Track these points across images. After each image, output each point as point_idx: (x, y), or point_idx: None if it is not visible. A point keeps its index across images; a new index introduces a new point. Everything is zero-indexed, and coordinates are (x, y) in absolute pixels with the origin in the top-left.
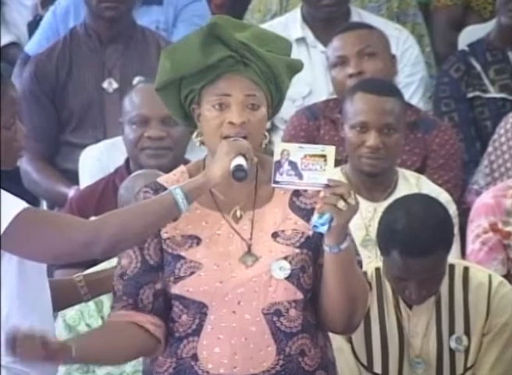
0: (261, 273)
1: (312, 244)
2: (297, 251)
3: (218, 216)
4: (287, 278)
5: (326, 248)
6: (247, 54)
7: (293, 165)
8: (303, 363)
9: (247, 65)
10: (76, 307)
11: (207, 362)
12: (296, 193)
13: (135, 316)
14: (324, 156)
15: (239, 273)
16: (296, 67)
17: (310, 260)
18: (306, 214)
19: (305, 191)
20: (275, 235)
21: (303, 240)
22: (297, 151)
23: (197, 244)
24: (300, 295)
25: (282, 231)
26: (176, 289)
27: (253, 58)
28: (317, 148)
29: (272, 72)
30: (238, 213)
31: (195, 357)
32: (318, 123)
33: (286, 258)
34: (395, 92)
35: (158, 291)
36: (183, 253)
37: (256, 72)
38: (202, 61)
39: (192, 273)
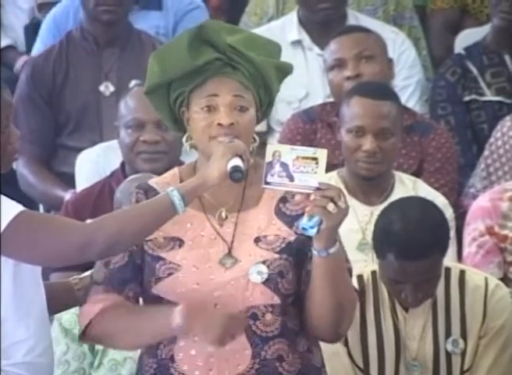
0: (239, 277)
1: (294, 250)
2: (276, 256)
3: (203, 217)
4: (264, 282)
5: (315, 252)
6: (235, 57)
7: (284, 166)
8: (280, 368)
9: (236, 68)
10: (72, 310)
11: (183, 364)
12: (283, 199)
13: (116, 298)
14: (316, 159)
15: (217, 276)
16: (285, 70)
17: (290, 265)
18: (291, 220)
19: (292, 197)
20: (257, 240)
21: (283, 245)
22: (289, 153)
23: (179, 246)
24: (277, 300)
25: (265, 236)
26: (155, 290)
27: (241, 61)
28: (309, 151)
29: (261, 74)
30: (223, 214)
31: (172, 358)
32: (314, 127)
33: (264, 262)
34: (391, 96)
35: (137, 294)
36: (163, 255)
37: (244, 74)
38: (190, 63)
39: (170, 274)
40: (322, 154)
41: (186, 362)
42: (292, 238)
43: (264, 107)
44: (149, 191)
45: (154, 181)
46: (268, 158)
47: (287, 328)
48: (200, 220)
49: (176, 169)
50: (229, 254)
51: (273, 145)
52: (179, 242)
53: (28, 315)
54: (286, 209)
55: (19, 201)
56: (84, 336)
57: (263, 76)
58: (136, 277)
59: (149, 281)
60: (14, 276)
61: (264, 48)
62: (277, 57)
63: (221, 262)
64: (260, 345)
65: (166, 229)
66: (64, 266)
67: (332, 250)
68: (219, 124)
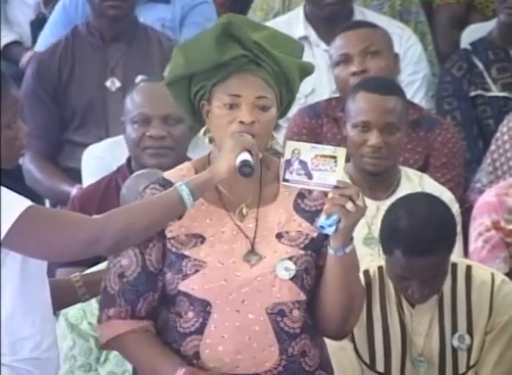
0: (266, 273)
1: (316, 246)
2: (302, 252)
3: (223, 213)
4: (291, 279)
5: (331, 251)
6: (260, 54)
7: (303, 164)
8: (304, 364)
9: (260, 65)
10: (78, 306)
11: (209, 361)
12: (301, 195)
13: (136, 324)
14: (334, 157)
15: (243, 272)
16: (307, 70)
17: (313, 262)
18: (310, 216)
19: (310, 193)
20: (279, 236)
21: (307, 241)
22: (308, 151)
23: (202, 242)
24: (303, 296)
25: (287, 232)
26: (182, 286)
27: (266, 59)
28: (328, 149)
29: (284, 73)
30: (244, 211)
31: (197, 355)
32: (320, 122)
33: (290, 258)
34: (397, 91)
35: (155, 301)
36: (186, 252)
37: (268, 72)
38: (216, 58)
39: (196, 271)
40: (341, 152)
41: (214, 359)
42: (315, 234)
43: (284, 106)
44: (167, 186)
45: (169, 175)
46: (287, 155)
47: (308, 323)
48: (219, 216)
49: (188, 163)
50: (253, 251)
51: (293, 142)
52: (201, 239)
53: (34, 310)
54: (305, 205)
55: (25, 197)
56: (105, 346)
57: (286, 76)
58: (151, 287)
59: (175, 278)
60: (21, 272)
61: (287, 45)
62: (300, 56)
63: (245, 258)
64: (287, 341)
65: (187, 225)
66: (70, 262)
67: (348, 249)
68: (241, 122)
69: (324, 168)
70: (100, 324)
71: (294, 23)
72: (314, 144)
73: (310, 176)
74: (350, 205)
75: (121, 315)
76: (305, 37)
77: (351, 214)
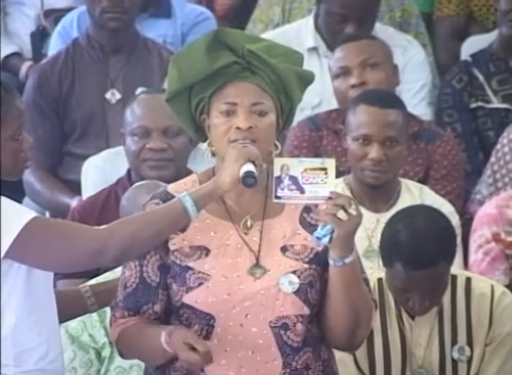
0: (269, 286)
1: (321, 260)
2: (306, 266)
3: (228, 225)
4: (295, 292)
5: (331, 262)
6: (254, 61)
7: (293, 179)
8: None
9: (255, 72)
10: (79, 318)
11: (213, 374)
12: (307, 209)
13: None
14: (324, 169)
15: (247, 286)
16: (306, 78)
17: (317, 275)
18: (316, 230)
19: (316, 206)
20: (283, 249)
21: (312, 255)
22: (297, 166)
23: (206, 255)
24: (306, 310)
25: (292, 246)
26: (186, 299)
27: (261, 66)
28: (316, 162)
29: (281, 80)
30: (249, 223)
31: (202, 368)
32: (320, 134)
33: (294, 272)
34: (397, 104)
35: (157, 313)
36: (191, 264)
37: (264, 79)
38: (208, 67)
39: (200, 283)
40: (331, 164)
41: (217, 372)
42: (320, 248)
43: (286, 114)
44: (168, 200)
45: (173, 189)
46: (277, 172)
47: (313, 336)
48: (224, 229)
49: (194, 176)
50: (257, 264)
51: (280, 159)
52: (206, 251)
53: (40, 321)
54: (311, 219)
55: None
56: (117, 348)
57: (283, 82)
58: (151, 298)
59: (179, 290)
60: (26, 283)
61: (286, 56)
62: (299, 65)
63: (250, 272)
64: (291, 355)
65: (190, 238)
66: (71, 273)
67: (347, 260)
68: (238, 128)
69: (315, 181)
70: (110, 327)
71: (303, 33)
72: (301, 158)
73: (302, 191)
74: (341, 214)
75: (124, 314)
76: (314, 48)
77: (344, 223)
